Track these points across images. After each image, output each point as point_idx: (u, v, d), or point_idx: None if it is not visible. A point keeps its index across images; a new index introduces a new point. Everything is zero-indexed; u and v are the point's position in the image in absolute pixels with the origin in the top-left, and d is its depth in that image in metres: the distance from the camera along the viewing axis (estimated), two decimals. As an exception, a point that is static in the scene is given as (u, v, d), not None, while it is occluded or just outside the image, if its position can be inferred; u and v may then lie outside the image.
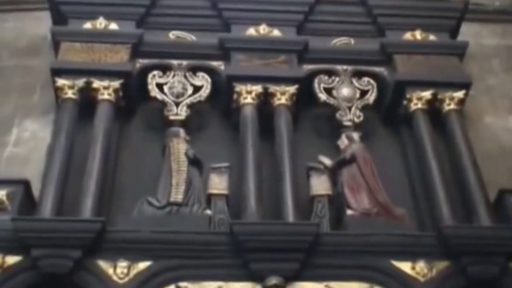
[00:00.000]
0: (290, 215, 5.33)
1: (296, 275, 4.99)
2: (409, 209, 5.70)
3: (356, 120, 6.11)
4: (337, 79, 6.34)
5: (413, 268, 5.09)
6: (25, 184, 5.37)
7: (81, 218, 5.16)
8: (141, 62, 6.30)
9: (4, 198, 5.22)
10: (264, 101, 6.14)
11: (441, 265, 5.11)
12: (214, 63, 6.37)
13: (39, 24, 6.91)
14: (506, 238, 5.19)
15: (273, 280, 4.91)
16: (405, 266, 5.09)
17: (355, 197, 5.57)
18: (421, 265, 5.08)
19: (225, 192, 5.53)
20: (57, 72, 6.02)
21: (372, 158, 5.85)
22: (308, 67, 6.39)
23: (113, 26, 6.41)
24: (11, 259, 4.93)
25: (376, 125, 6.44)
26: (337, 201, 5.63)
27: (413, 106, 6.17)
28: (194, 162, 5.68)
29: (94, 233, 4.98)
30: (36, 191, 5.48)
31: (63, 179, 5.44)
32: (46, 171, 5.55)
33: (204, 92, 6.15)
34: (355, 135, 5.97)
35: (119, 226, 5.22)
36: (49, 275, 4.87)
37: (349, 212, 5.48)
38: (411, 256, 5.12)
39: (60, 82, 5.96)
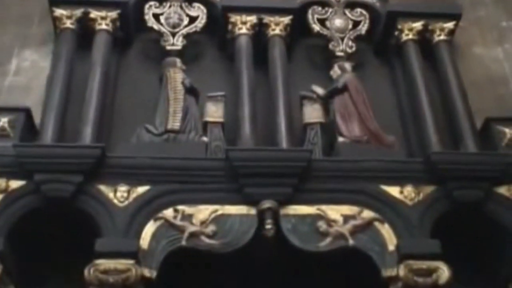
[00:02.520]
0: (283, 141, 5.49)
1: (289, 199, 5.14)
2: (399, 137, 5.88)
3: (348, 50, 6.22)
4: (330, 10, 6.41)
5: (401, 192, 5.25)
6: (26, 112, 5.49)
7: (81, 144, 5.31)
8: (138, -8, 6.33)
9: (6, 125, 5.35)
10: (259, 31, 6.23)
11: (428, 189, 5.27)
12: (210, -6, 6.40)
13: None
14: (491, 164, 5.35)
15: (267, 204, 5.05)
16: (393, 191, 5.25)
17: (346, 125, 5.72)
18: (409, 190, 5.25)
19: (220, 120, 5.68)
20: (55, 2, 6.07)
21: (363, 87, 5.98)
22: (302, -2, 6.45)
23: (109, -45, 6.41)
24: (15, 184, 5.06)
25: (368, 56, 6.56)
26: (329, 129, 5.79)
27: (404, 37, 6.28)
28: (191, 91, 5.80)
29: (94, 158, 5.11)
30: (37, 119, 5.61)
31: (63, 107, 5.57)
32: (46, 99, 5.67)
33: (200, 23, 6.22)
34: (347, 65, 6.10)
35: (118, 152, 5.35)
36: (51, 199, 5.02)
37: (340, 139, 5.63)
38: (400, 181, 5.28)
39: (58, 12, 6.02)
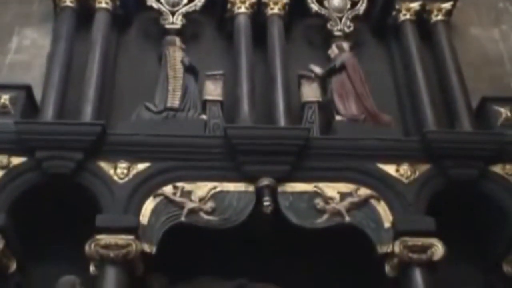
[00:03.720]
0: (281, 120, 5.54)
1: (287, 177, 5.21)
2: (395, 116, 5.95)
3: (346, 30, 6.26)
4: (328, -11, 6.44)
5: (397, 170, 5.31)
6: (27, 89, 5.54)
7: (82, 122, 5.35)
8: (138, -30, 6.34)
9: (7, 102, 5.39)
10: (258, 10, 6.25)
11: (424, 167, 5.34)
12: (209, -28, 6.42)
13: None
14: (486, 143, 5.42)
15: (265, 181, 5.12)
16: (389, 169, 5.32)
17: (344, 103, 5.78)
18: (404, 168, 5.31)
19: (219, 98, 5.72)
20: (54, -19, 6.10)
21: (361, 67, 6.02)
22: (301, -23, 6.46)
23: None
24: (17, 160, 5.12)
25: (366, 36, 6.59)
26: (326, 108, 5.84)
27: (402, 17, 6.30)
28: (190, 69, 5.84)
29: (94, 135, 5.16)
30: (37, 96, 5.65)
31: (64, 85, 5.61)
32: (47, 77, 5.69)
33: (199, 2, 6.25)
34: (345, 45, 6.14)
35: (118, 129, 5.40)
36: (52, 176, 5.08)
37: (338, 117, 5.68)
38: (396, 159, 5.34)
39: (58, -10, 6.05)
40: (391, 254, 5.01)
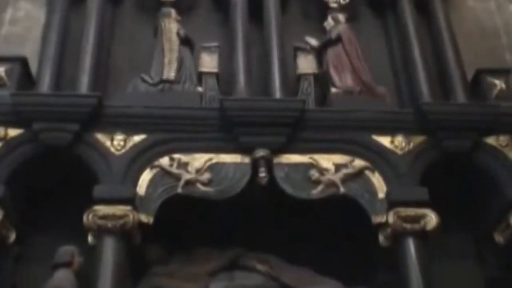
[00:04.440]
0: (277, 92, 5.56)
1: (283, 148, 5.25)
2: (391, 88, 5.96)
3: (342, 2, 6.24)
4: (325, -40, 6.42)
5: (392, 142, 5.36)
6: (23, 61, 5.54)
7: (78, 93, 5.38)
8: None
9: (3, 74, 5.39)
10: (254, -18, 6.24)
11: (418, 139, 5.38)
12: None
13: None
14: (480, 114, 5.46)
15: (261, 153, 5.17)
16: (384, 140, 5.36)
17: (339, 75, 5.80)
18: (399, 139, 5.36)
19: (215, 70, 5.73)
20: (49, -49, 6.05)
21: (357, 39, 6.03)
22: (297, -51, 6.43)
23: None
24: (13, 132, 5.15)
25: (362, 8, 6.57)
26: (322, 80, 5.86)
27: (397, -12, 6.29)
28: (186, 41, 5.84)
29: (90, 107, 5.18)
30: (33, 68, 5.64)
31: (60, 57, 5.63)
32: (42, 49, 5.71)
33: (195, -27, 6.26)
34: (341, 17, 6.13)
35: (115, 101, 5.41)
36: (49, 147, 5.11)
37: (333, 90, 5.71)
38: (391, 131, 5.38)
39: (52, -39, 6.01)
40: (385, 224, 5.07)
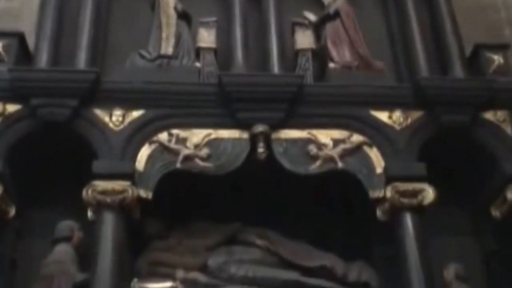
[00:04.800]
0: (275, 67, 5.57)
1: (281, 124, 5.27)
2: (389, 63, 5.96)
3: (340, -24, 6.22)
4: None
5: (390, 117, 5.38)
6: (20, 37, 5.52)
7: (76, 69, 5.37)
8: None
9: (0, 49, 5.37)
10: (251, -43, 6.20)
11: (416, 114, 5.40)
12: None
13: None
14: (478, 89, 5.48)
15: (259, 128, 5.19)
16: (382, 115, 5.38)
17: (337, 50, 5.78)
18: (397, 114, 5.37)
19: (213, 45, 5.72)
20: None
21: (355, 14, 6.00)
22: None
23: None
24: (12, 107, 5.16)
25: (361, -17, 6.56)
26: (320, 55, 5.85)
27: (396, -38, 6.26)
28: (183, 16, 5.81)
29: (89, 83, 5.19)
30: (30, 44, 5.62)
31: (57, 32, 5.60)
32: (39, 24, 5.67)
33: None
34: (339, -9, 6.11)
35: (113, 77, 5.42)
36: (48, 123, 5.13)
37: (331, 65, 5.69)
38: (389, 106, 5.40)
39: None
40: (383, 199, 5.11)
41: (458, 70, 5.69)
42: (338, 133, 5.32)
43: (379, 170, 5.20)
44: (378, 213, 5.15)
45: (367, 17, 6.21)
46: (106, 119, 5.19)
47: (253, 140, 5.21)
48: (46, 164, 5.26)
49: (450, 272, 5.20)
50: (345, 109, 5.38)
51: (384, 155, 5.25)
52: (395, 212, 5.08)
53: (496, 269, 5.39)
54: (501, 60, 5.75)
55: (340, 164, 5.20)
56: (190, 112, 5.29)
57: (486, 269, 5.45)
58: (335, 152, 5.23)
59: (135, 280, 5.12)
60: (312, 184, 5.39)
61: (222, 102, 5.31)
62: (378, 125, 5.35)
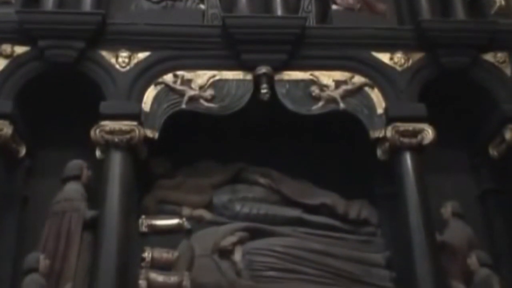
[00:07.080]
0: (279, 9, 5.59)
1: (284, 65, 5.34)
2: (390, 5, 5.97)
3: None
4: None
5: (391, 58, 5.44)
6: (26, -22, 5.52)
7: (82, 11, 5.41)
8: None
9: (7, -11, 5.39)
10: None
11: (417, 56, 5.46)
12: None
13: None
14: (478, 31, 5.53)
15: (263, 69, 5.26)
16: (384, 57, 5.45)
17: (340, -7, 5.82)
18: (398, 56, 5.44)
19: (217, -13, 5.75)
20: None
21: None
22: None
23: None
24: (20, 49, 5.23)
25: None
26: (323, -3, 5.88)
27: None
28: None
29: (95, 25, 5.25)
30: (32, -13, 5.64)
31: (62, -27, 5.61)
32: (45, -34, 5.69)
33: None
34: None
35: (118, 19, 5.46)
36: (55, 65, 5.20)
37: (334, 7, 5.73)
38: (390, 47, 5.46)
39: None
40: (383, 139, 5.21)
41: (459, 12, 5.71)
42: (340, 74, 5.39)
43: (380, 110, 5.29)
44: (379, 152, 5.26)
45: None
46: (113, 60, 5.26)
47: (257, 81, 5.28)
48: (55, 105, 5.36)
49: (447, 209, 5.36)
50: (347, 50, 5.44)
51: (385, 96, 5.33)
52: (395, 152, 5.19)
53: (492, 207, 5.53)
54: (503, 2, 5.78)
55: (341, 105, 5.29)
56: (194, 54, 5.36)
57: (482, 207, 5.59)
58: (337, 93, 5.31)
59: (143, 217, 5.31)
60: (314, 124, 5.50)
61: (226, 44, 5.37)
62: (380, 67, 5.42)
